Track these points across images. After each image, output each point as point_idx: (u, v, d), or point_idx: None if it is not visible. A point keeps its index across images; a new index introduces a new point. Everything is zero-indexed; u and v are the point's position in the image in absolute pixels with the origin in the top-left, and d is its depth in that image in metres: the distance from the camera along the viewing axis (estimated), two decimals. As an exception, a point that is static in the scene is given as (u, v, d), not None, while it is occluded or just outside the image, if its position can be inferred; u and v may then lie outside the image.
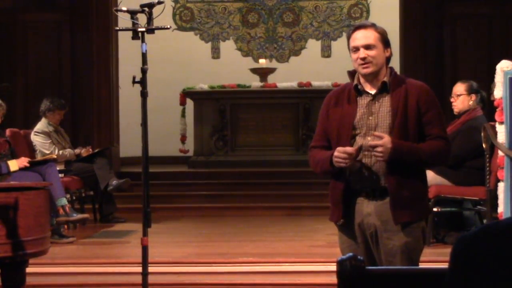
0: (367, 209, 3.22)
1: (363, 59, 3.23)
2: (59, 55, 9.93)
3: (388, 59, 3.31)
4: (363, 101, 3.28)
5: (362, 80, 3.31)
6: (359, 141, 3.22)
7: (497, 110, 5.47)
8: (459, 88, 6.19)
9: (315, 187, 9.09)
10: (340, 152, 3.14)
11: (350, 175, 3.23)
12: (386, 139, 3.12)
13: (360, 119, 3.25)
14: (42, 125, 7.76)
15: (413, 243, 3.23)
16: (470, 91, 6.15)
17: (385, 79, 3.27)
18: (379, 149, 3.11)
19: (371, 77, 3.28)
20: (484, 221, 5.97)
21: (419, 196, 3.28)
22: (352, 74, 3.36)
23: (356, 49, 3.25)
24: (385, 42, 3.28)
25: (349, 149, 3.15)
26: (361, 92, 3.30)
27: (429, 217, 5.49)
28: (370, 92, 3.28)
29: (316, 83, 10.51)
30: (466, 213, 6.40)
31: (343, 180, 3.24)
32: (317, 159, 3.32)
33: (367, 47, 3.23)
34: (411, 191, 3.21)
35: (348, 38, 3.31)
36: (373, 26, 3.29)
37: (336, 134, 3.28)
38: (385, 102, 3.25)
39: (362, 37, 3.25)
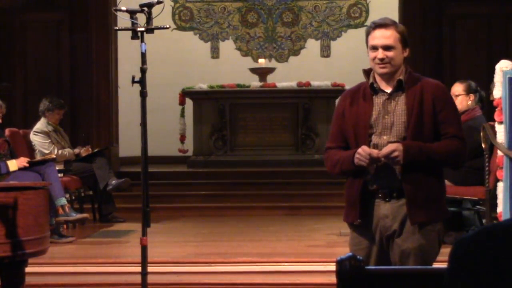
0: (384, 211, 3.20)
1: (382, 59, 3.19)
2: (59, 55, 9.93)
3: (405, 58, 3.27)
4: (378, 99, 3.25)
5: (378, 78, 3.27)
6: (375, 140, 3.20)
7: (496, 110, 5.47)
8: (457, 88, 6.19)
9: (314, 187, 9.11)
10: (365, 152, 3.11)
11: (367, 176, 3.20)
12: (395, 144, 3.11)
13: (376, 118, 3.22)
14: (41, 124, 7.75)
15: (428, 246, 3.19)
16: (468, 91, 6.15)
17: (401, 77, 3.24)
18: (395, 153, 3.09)
19: (387, 76, 3.24)
20: (484, 221, 5.98)
21: (436, 196, 3.24)
22: (367, 72, 3.31)
23: (375, 48, 3.21)
24: (404, 42, 3.23)
25: (374, 151, 3.13)
26: (376, 90, 3.26)
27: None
28: (386, 90, 3.25)
29: (316, 83, 10.51)
30: (465, 213, 6.40)
31: (360, 180, 3.21)
32: (337, 159, 3.27)
33: (386, 47, 3.19)
34: (428, 191, 3.19)
35: (367, 34, 3.25)
36: (393, 25, 3.23)
37: (353, 133, 3.24)
38: (401, 101, 3.22)
39: (381, 36, 3.20)
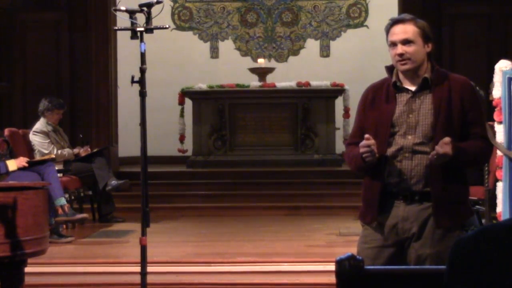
0: (404, 213, 3.11)
1: (401, 55, 3.10)
2: (58, 55, 9.92)
3: (429, 54, 3.17)
4: (402, 98, 3.15)
5: (401, 76, 3.17)
6: (399, 140, 3.11)
7: (495, 110, 5.47)
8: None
9: (314, 186, 9.11)
10: (363, 147, 3.04)
11: (388, 177, 3.12)
12: (447, 138, 3.00)
13: (399, 116, 3.12)
14: (40, 124, 7.75)
15: (444, 253, 3.05)
16: (468, 91, 6.14)
17: (426, 75, 3.14)
18: (445, 149, 2.97)
19: (411, 73, 3.14)
20: (483, 221, 5.98)
21: (461, 199, 3.17)
22: (390, 69, 3.22)
23: (394, 44, 3.12)
24: (426, 37, 3.13)
25: (366, 136, 3.04)
26: (400, 89, 3.17)
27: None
28: (410, 89, 3.15)
29: (315, 83, 10.50)
30: (464, 212, 6.39)
31: (380, 181, 3.12)
32: (352, 155, 3.19)
33: (405, 42, 3.09)
34: (454, 194, 3.11)
35: (387, 32, 3.16)
36: (412, 20, 3.14)
37: (374, 132, 3.12)
38: (427, 100, 3.12)
39: (400, 31, 3.11)
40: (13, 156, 6.82)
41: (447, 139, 3.00)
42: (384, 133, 3.12)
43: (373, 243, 3.18)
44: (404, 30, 3.11)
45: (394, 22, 3.14)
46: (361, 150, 3.06)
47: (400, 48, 3.10)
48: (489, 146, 3.20)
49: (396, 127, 3.12)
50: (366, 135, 3.06)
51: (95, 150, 8.14)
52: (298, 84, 10.50)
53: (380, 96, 3.19)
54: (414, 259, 3.11)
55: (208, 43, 13.06)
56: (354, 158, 3.17)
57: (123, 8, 4.22)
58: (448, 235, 3.11)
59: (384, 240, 3.16)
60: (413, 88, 3.15)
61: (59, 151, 7.69)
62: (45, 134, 7.71)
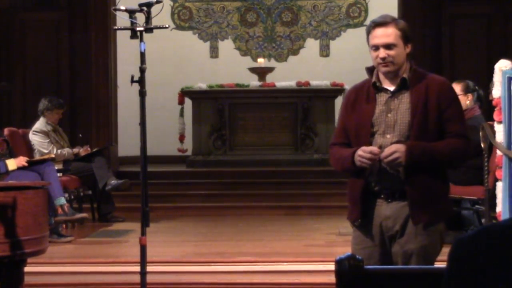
0: (386, 211, 3.17)
1: (383, 59, 3.16)
2: (58, 54, 9.92)
3: (408, 55, 3.22)
4: (381, 98, 3.21)
5: (381, 76, 3.24)
6: (378, 139, 3.17)
7: (495, 109, 5.48)
8: (455, 88, 6.17)
9: (314, 186, 9.10)
10: (365, 152, 3.09)
11: (369, 176, 3.17)
12: (397, 145, 3.08)
13: (379, 116, 3.18)
14: (40, 124, 7.75)
15: (430, 247, 3.18)
16: (466, 91, 6.14)
17: (405, 75, 3.20)
18: (396, 154, 3.06)
19: (391, 74, 3.21)
20: (483, 220, 5.98)
21: (438, 196, 3.21)
22: (370, 70, 3.28)
23: (376, 47, 3.17)
24: (406, 39, 3.19)
25: (374, 148, 3.10)
26: (380, 89, 3.23)
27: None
28: (389, 88, 3.21)
29: (315, 83, 10.50)
30: (464, 212, 6.40)
31: (362, 179, 3.18)
32: (338, 156, 3.25)
33: (387, 46, 3.15)
34: (431, 192, 3.15)
35: (368, 33, 3.22)
36: (393, 22, 3.19)
37: (354, 132, 3.21)
38: (405, 99, 3.18)
39: (382, 35, 3.15)
40: (12, 155, 6.81)
41: (393, 147, 3.07)
42: (365, 133, 3.19)
43: (364, 243, 3.25)
44: (386, 33, 3.16)
45: (376, 24, 3.19)
46: (364, 155, 3.09)
47: (383, 52, 3.16)
48: (466, 144, 3.22)
49: (376, 127, 3.19)
50: (376, 149, 3.10)
51: (94, 150, 8.14)
52: (298, 83, 10.50)
53: (361, 97, 3.25)
54: (401, 255, 3.17)
55: (208, 43, 13.06)
56: (341, 160, 3.23)
57: (122, 7, 4.22)
58: (430, 229, 3.18)
59: (373, 239, 3.22)
60: (392, 88, 3.22)
61: (59, 151, 7.69)
62: (45, 133, 7.71)
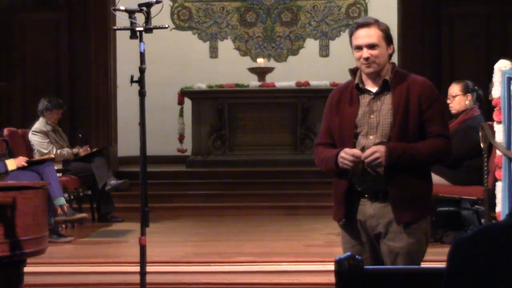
0: (370, 211, 3.21)
1: (366, 59, 3.20)
2: (57, 55, 9.92)
3: (390, 56, 3.28)
4: (364, 99, 3.25)
5: (364, 77, 3.28)
6: (361, 141, 3.21)
7: (495, 109, 5.48)
8: (454, 89, 6.17)
9: (313, 186, 9.10)
10: (348, 154, 3.13)
11: (353, 176, 3.21)
12: (378, 146, 3.13)
13: (362, 117, 3.22)
14: (40, 124, 7.75)
15: (415, 245, 3.21)
16: (465, 91, 6.14)
17: (387, 76, 3.24)
18: (376, 155, 3.10)
19: (374, 75, 3.25)
20: (482, 220, 5.98)
21: (421, 195, 3.24)
22: (353, 71, 3.32)
23: (359, 48, 3.22)
24: (388, 40, 3.25)
25: (356, 152, 3.14)
26: (362, 90, 3.27)
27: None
28: (372, 90, 3.25)
29: (314, 83, 10.51)
30: (464, 212, 6.40)
31: (346, 180, 3.23)
32: (323, 157, 3.30)
33: (370, 46, 3.20)
34: (412, 191, 3.20)
35: (351, 35, 3.27)
36: (375, 23, 3.24)
37: (338, 133, 3.26)
38: (387, 100, 3.22)
39: (365, 35, 3.20)
40: (12, 155, 6.81)
41: (373, 148, 3.12)
42: (349, 134, 3.23)
43: (351, 242, 3.30)
44: (369, 34, 3.21)
45: (359, 25, 3.25)
46: (347, 157, 3.13)
47: (366, 52, 3.20)
48: (447, 144, 3.24)
49: (359, 128, 3.23)
50: (358, 152, 3.14)
51: (94, 150, 8.14)
52: (298, 84, 10.50)
53: (345, 98, 3.29)
54: (387, 254, 3.22)
55: (208, 43, 13.06)
56: (325, 161, 3.28)
57: (122, 8, 4.22)
58: (413, 227, 3.21)
59: (359, 238, 3.27)
60: (374, 90, 3.26)
61: (59, 151, 7.69)
62: (45, 133, 7.71)
